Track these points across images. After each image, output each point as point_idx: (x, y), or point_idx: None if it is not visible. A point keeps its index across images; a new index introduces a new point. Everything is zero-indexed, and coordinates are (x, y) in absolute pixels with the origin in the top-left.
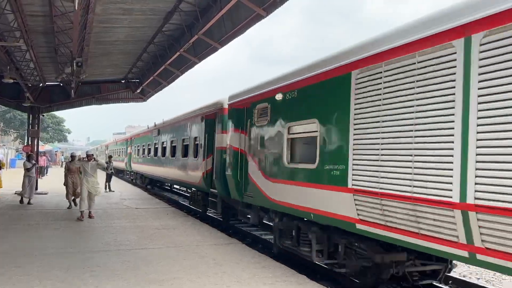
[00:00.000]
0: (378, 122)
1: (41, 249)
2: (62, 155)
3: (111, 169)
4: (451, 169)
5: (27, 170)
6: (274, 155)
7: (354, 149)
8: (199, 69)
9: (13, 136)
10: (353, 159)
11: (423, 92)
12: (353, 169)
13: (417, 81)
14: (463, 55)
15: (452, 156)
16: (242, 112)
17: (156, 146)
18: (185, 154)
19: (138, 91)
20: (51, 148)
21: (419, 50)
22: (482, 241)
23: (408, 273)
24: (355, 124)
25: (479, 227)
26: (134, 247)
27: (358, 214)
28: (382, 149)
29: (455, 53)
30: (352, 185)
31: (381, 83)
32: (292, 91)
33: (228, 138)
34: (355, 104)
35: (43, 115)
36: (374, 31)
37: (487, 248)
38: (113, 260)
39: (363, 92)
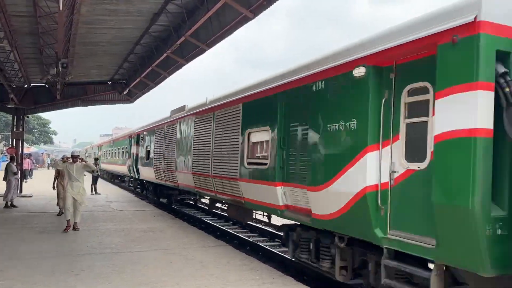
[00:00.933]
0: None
1: (25, 253)
2: (49, 157)
3: (97, 171)
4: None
5: (14, 174)
6: (144, 157)
7: (153, 155)
8: (188, 70)
9: None
10: (153, 158)
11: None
12: (155, 161)
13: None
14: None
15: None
16: (138, 136)
17: (111, 151)
18: (122, 157)
19: (125, 92)
20: (36, 150)
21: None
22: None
23: (179, 200)
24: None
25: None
26: (120, 250)
27: (155, 176)
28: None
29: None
30: (154, 165)
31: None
32: (147, 131)
33: (135, 148)
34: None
35: (28, 117)
36: (363, 33)
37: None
38: (98, 263)
39: (159, 136)
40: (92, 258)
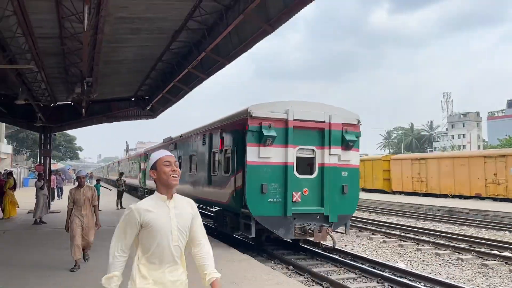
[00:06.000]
0: None
1: (52, 268)
2: (74, 172)
3: (122, 186)
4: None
5: (40, 188)
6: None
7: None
8: (209, 84)
9: (26, 156)
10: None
11: None
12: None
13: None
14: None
15: None
16: (145, 155)
17: (128, 167)
18: (135, 171)
19: (148, 108)
20: (63, 166)
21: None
22: None
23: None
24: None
25: None
26: None
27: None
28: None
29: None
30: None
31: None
32: (148, 152)
33: (143, 165)
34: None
35: (55, 134)
36: (379, 43)
37: None
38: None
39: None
40: None
